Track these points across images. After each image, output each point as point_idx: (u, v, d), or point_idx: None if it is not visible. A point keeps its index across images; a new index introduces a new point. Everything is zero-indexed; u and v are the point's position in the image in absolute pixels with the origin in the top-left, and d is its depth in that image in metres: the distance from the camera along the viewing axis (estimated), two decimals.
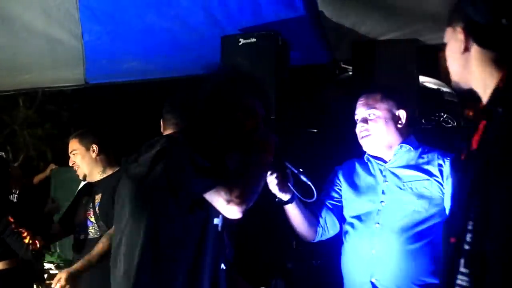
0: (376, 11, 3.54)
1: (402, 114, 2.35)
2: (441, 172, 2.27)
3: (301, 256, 3.43)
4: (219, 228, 2.02)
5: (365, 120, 2.32)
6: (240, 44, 3.46)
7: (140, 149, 2.21)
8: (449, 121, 4.11)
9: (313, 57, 4.06)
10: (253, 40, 3.45)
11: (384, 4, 3.49)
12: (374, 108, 2.31)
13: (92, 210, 3.30)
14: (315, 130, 3.99)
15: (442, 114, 4.10)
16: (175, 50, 3.95)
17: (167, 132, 2.52)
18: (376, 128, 2.31)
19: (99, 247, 3.11)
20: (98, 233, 3.25)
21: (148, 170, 2.04)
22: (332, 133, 3.83)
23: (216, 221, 2.01)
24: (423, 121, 3.93)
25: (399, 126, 2.34)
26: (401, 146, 2.34)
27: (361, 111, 2.34)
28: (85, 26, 3.79)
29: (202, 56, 3.86)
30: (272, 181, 2.22)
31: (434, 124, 4.04)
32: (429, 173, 2.28)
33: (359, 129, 2.34)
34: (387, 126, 2.31)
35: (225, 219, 2.01)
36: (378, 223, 2.24)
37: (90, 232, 3.28)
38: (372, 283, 2.20)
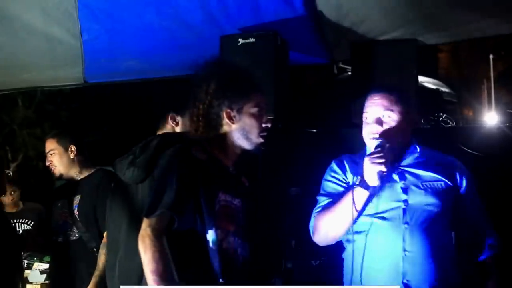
0: (375, 11, 3.54)
1: (410, 117, 2.30)
2: (453, 171, 2.28)
3: (300, 256, 3.42)
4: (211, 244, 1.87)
5: (379, 121, 2.24)
6: (239, 44, 3.46)
7: (134, 150, 2.15)
8: (449, 121, 4.11)
9: (313, 57, 4.06)
10: (252, 40, 3.44)
11: (384, 4, 3.49)
12: (391, 110, 2.24)
13: (69, 212, 3.25)
14: (315, 130, 3.98)
15: (442, 114, 4.10)
16: (174, 50, 3.93)
17: (165, 130, 2.49)
18: (390, 131, 2.23)
19: (102, 259, 3.00)
20: (77, 235, 3.21)
21: (146, 175, 1.99)
22: (331, 133, 3.83)
23: (208, 236, 1.86)
24: (422, 121, 3.93)
25: (407, 129, 2.30)
26: (414, 147, 2.31)
27: (376, 111, 2.25)
28: (84, 25, 3.77)
29: (201, 56, 3.83)
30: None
31: (433, 124, 4.04)
32: (442, 173, 2.27)
33: (371, 129, 2.25)
34: (399, 129, 2.25)
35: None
36: (408, 224, 2.19)
37: (69, 235, 3.24)
38: (404, 284, 2.15)
